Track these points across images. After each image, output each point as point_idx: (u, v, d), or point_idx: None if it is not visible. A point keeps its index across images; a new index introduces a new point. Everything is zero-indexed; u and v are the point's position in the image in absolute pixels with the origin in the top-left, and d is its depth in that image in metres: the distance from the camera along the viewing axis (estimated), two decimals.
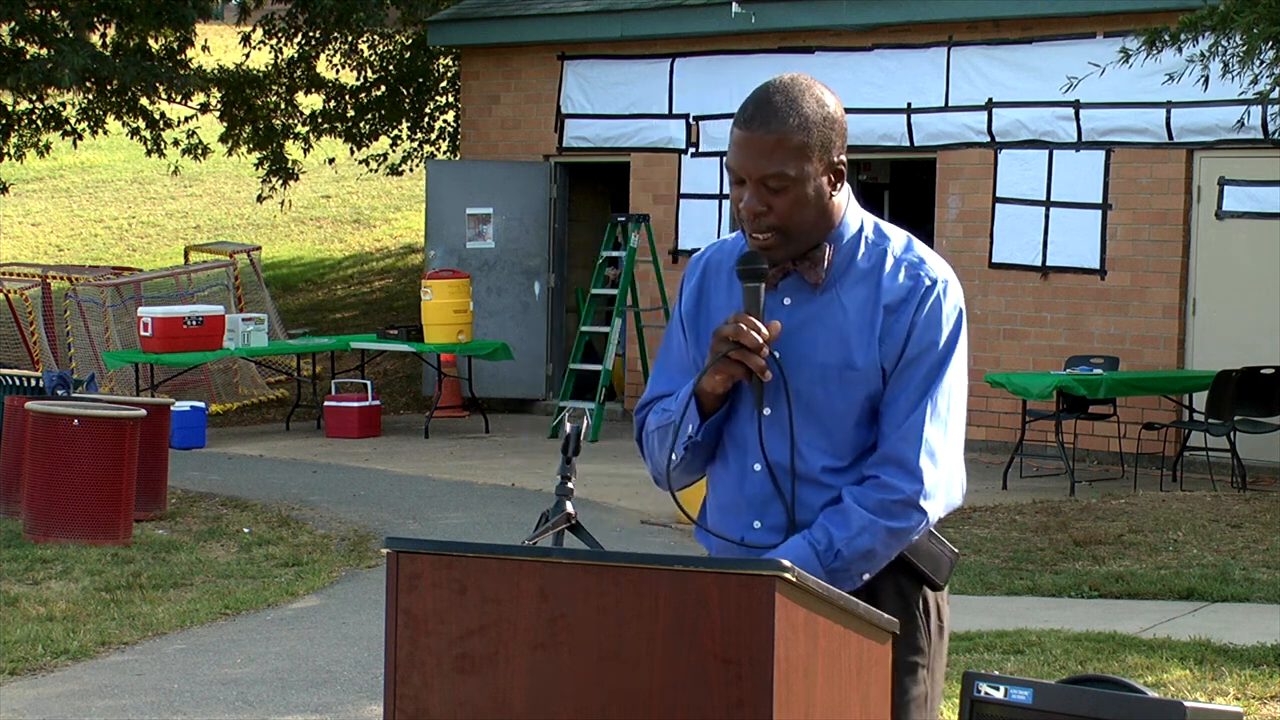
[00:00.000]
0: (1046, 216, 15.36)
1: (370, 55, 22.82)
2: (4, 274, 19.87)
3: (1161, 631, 8.47)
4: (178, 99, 21.13)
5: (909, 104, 16.05)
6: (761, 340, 3.41)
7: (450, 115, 22.99)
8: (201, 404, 16.45)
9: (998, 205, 15.64)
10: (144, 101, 21.19)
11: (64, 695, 7.70)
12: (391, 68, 22.83)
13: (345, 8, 20.58)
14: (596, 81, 18.10)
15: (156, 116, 21.66)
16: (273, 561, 10.71)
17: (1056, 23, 15.14)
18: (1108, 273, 15.05)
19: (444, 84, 22.90)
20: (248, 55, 22.40)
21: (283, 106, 22.85)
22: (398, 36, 22.69)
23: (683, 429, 3.49)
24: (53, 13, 19.90)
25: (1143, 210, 14.89)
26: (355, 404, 16.83)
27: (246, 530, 11.64)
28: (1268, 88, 11.49)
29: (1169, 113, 14.57)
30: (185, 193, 30.20)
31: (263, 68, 22.51)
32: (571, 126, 18.32)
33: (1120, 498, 12.47)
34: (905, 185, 18.61)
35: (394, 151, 23.30)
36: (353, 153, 23.29)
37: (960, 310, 3.51)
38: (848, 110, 3.54)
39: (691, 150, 17.48)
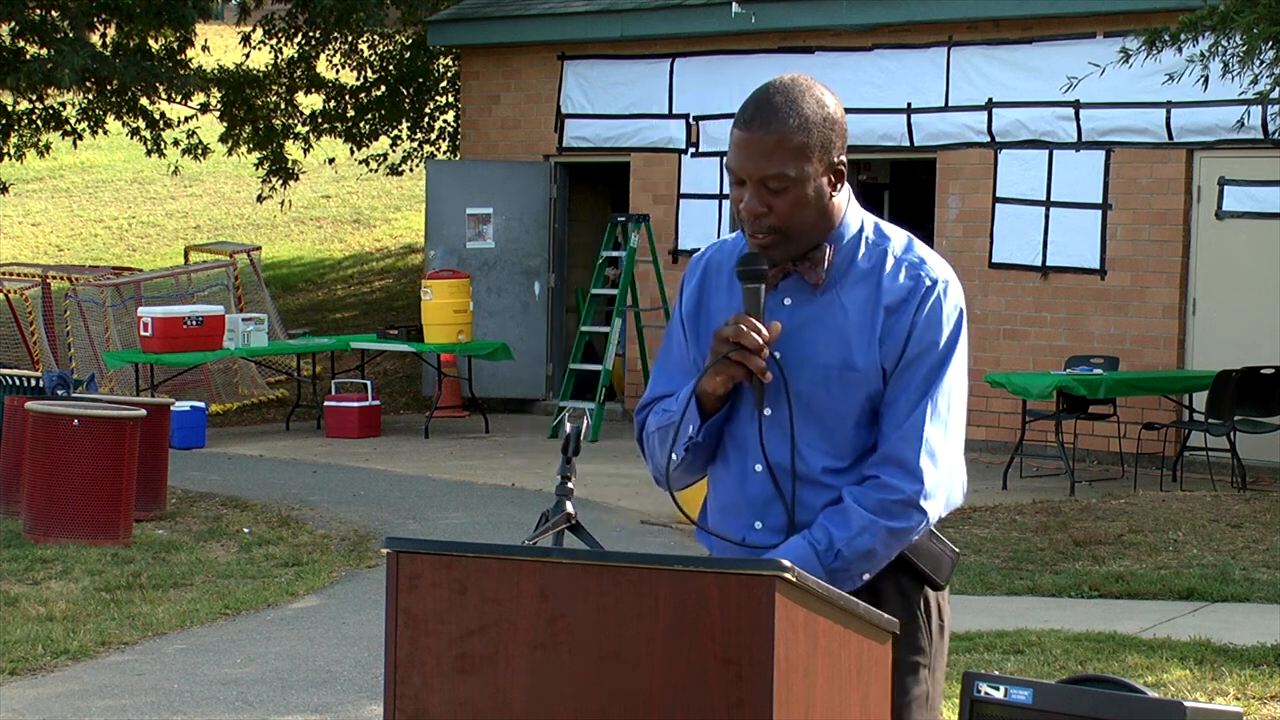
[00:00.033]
0: (1046, 216, 15.36)
1: (370, 55, 22.82)
2: (4, 274, 19.87)
3: (1161, 631, 8.47)
4: (178, 99, 21.13)
5: (909, 104, 16.05)
6: (762, 341, 3.41)
7: (450, 115, 22.99)
8: (201, 404, 16.46)
9: (998, 205, 15.64)
10: (144, 101, 21.19)
11: (64, 695, 7.70)
12: (391, 68, 22.83)
13: (345, 8, 20.58)
14: (596, 81, 18.10)
15: (156, 116, 21.66)
16: (273, 561, 10.71)
17: (1056, 23, 15.15)
18: (1108, 273, 15.05)
19: (444, 84, 22.90)
20: (248, 55, 22.40)
21: (283, 106, 22.85)
22: (398, 36, 22.69)
23: (683, 430, 3.49)
24: (53, 13, 19.90)
25: (1143, 210, 14.90)
26: (355, 404, 16.83)
27: (246, 530, 11.64)
28: (1268, 88, 11.49)
29: (1169, 113, 14.57)
30: (185, 193, 30.20)
31: (263, 68, 22.51)
32: (571, 126, 18.32)
33: (1120, 498, 12.47)
34: (905, 185, 18.61)
35: (394, 151, 23.30)
36: (353, 153, 23.29)
37: (961, 310, 3.52)
38: (848, 110, 3.54)
39: (691, 150, 17.48)
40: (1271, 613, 8.94)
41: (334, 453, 15.61)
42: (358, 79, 22.90)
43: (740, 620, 2.89)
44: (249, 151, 22.99)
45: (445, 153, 22.88)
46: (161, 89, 20.48)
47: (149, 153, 22.12)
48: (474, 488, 13.66)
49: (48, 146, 22.37)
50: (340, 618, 9.22)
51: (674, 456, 3.53)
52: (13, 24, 19.74)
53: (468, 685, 3.08)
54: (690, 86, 17.40)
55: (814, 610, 2.98)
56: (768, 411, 3.48)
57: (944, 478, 3.46)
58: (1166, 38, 11.65)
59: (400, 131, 23.07)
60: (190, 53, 21.48)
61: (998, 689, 4.11)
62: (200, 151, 21.97)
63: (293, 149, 23.05)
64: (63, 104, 21.76)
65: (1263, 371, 13.39)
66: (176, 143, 21.91)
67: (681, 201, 17.56)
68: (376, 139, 23.04)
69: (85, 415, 10.83)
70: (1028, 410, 13.88)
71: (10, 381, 13.50)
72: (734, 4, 16.58)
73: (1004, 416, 15.14)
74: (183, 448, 15.08)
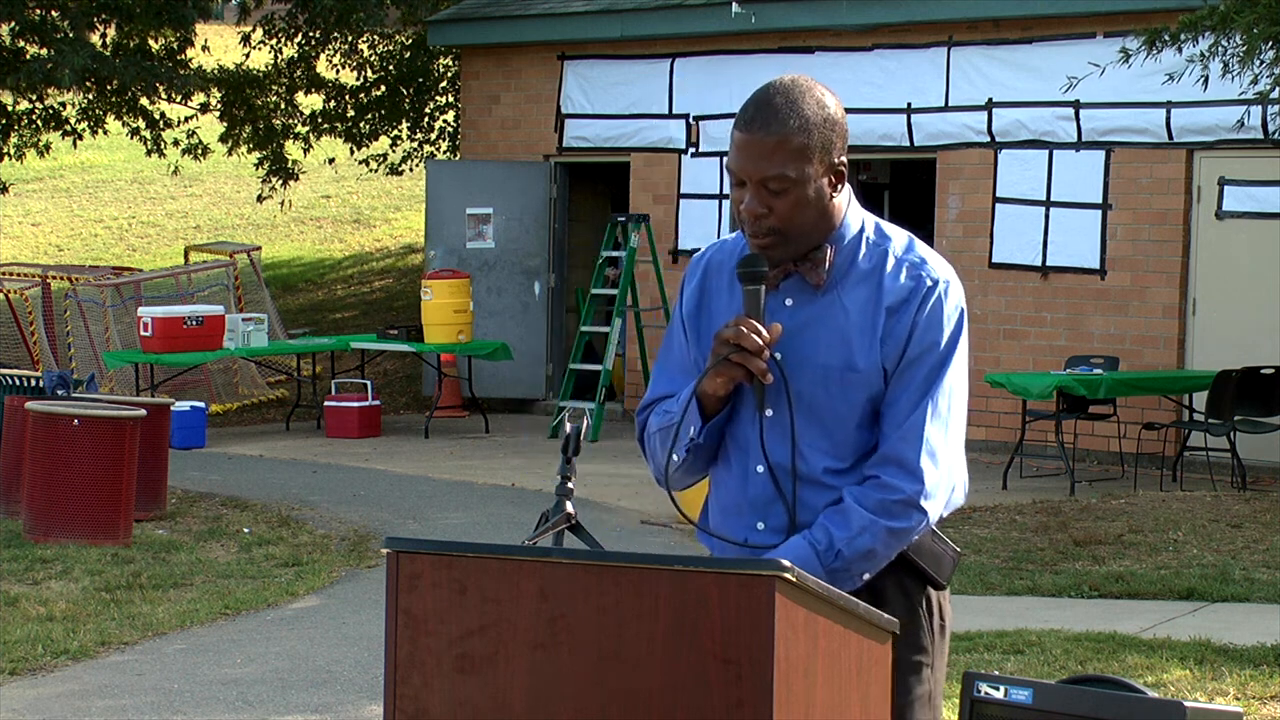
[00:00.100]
0: (1046, 216, 15.36)
1: (370, 55, 22.82)
2: (4, 274, 19.87)
3: (1161, 631, 8.47)
4: (178, 99, 21.13)
5: (909, 104, 16.05)
6: (762, 343, 3.41)
7: (450, 115, 22.99)
8: (201, 404, 16.45)
9: (998, 205, 15.64)
10: (144, 101, 21.19)
11: (64, 695, 7.70)
12: (391, 68, 22.83)
13: (345, 8, 20.58)
14: (596, 81, 18.10)
15: (156, 116, 21.66)
16: (273, 561, 10.71)
17: (1056, 23, 15.15)
18: (1108, 273, 15.05)
19: (444, 84, 22.90)
20: (248, 55, 22.40)
21: (283, 106, 22.85)
22: (398, 36, 22.69)
23: (684, 431, 3.50)
24: (53, 13, 19.90)
25: (1143, 210, 14.90)
26: (355, 404, 16.83)
27: (246, 530, 11.64)
28: (1268, 88, 11.49)
29: (1169, 113, 14.57)
30: (185, 193, 30.20)
31: (263, 68, 22.51)
32: (571, 126, 18.32)
33: (1120, 498, 12.47)
34: (905, 185, 18.61)
35: (394, 151, 23.30)
36: (353, 153, 23.29)
37: (961, 311, 3.52)
38: (848, 110, 3.54)
39: (691, 150, 17.48)
40: (1271, 613, 8.94)
41: (334, 453, 15.61)
42: (358, 79, 22.90)
43: (740, 620, 2.90)
44: (249, 151, 22.99)
45: (445, 153, 22.88)
46: (161, 89, 20.49)
47: (149, 153, 22.12)
48: (474, 488, 13.66)
49: (48, 146, 22.37)
50: (340, 618, 9.22)
51: (675, 458, 3.53)
52: (13, 24, 19.74)
53: (468, 685, 3.08)
54: (690, 86, 17.39)
55: (814, 610, 2.98)
56: (769, 412, 3.49)
57: (944, 478, 3.46)
58: (1166, 38, 11.65)
59: (400, 131, 23.07)
60: (190, 53, 21.48)
61: (998, 689, 4.11)
62: (200, 151, 21.97)
63: (293, 149, 23.05)
64: (63, 104, 21.76)
65: (1263, 371, 13.39)
66: (176, 143, 21.90)
67: (681, 201, 17.56)
68: (376, 139, 23.04)
69: (85, 415, 10.83)
70: (1028, 410, 13.88)
71: (10, 381, 13.50)
72: (734, 4, 16.58)
73: (1004, 416, 15.14)
74: (183, 448, 15.08)
